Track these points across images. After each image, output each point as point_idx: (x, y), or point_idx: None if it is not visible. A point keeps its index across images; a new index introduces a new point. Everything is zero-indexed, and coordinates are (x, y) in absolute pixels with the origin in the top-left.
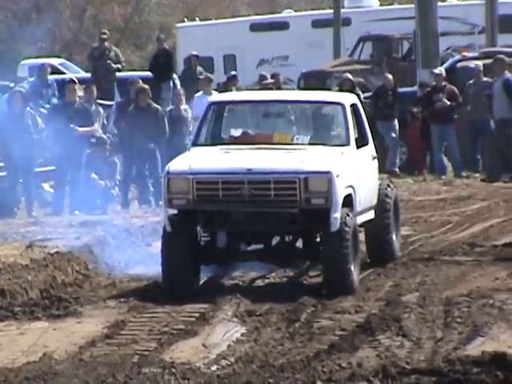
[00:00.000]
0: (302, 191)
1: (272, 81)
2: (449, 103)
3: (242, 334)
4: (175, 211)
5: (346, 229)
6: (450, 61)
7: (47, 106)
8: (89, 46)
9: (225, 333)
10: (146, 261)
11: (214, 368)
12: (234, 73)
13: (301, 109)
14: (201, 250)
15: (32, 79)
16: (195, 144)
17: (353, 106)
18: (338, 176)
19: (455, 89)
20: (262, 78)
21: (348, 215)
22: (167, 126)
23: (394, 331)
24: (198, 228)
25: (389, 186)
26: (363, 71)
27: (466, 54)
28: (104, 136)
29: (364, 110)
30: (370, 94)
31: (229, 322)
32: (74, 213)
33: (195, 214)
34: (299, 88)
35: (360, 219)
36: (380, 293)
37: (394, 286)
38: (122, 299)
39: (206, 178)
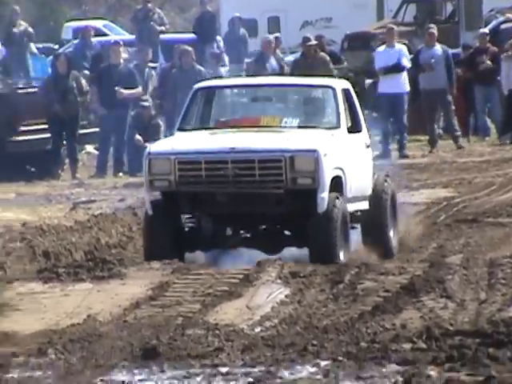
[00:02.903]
0: (287, 171)
1: (315, 42)
2: (492, 65)
3: (286, 296)
4: (157, 194)
5: (335, 210)
6: (494, 22)
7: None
8: (133, 8)
9: (268, 294)
10: None
11: (257, 330)
12: (277, 35)
13: (290, 93)
14: (185, 236)
15: (76, 41)
16: (180, 129)
17: (345, 91)
18: (325, 155)
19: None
20: (306, 39)
21: (337, 198)
22: None
23: (438, 293)
24: (183, 215)
25: (386, 180)
26: (407, 33)
27: (509, 15)
28: (149, 98)
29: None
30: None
31: (272, 283)
32: (118, 175)
33: (178, 196)
34: (343, 50)
35: (351, 207)
36: (424, 254)
37: (437, 248)
38: (166, 261)
39: (189, 158)
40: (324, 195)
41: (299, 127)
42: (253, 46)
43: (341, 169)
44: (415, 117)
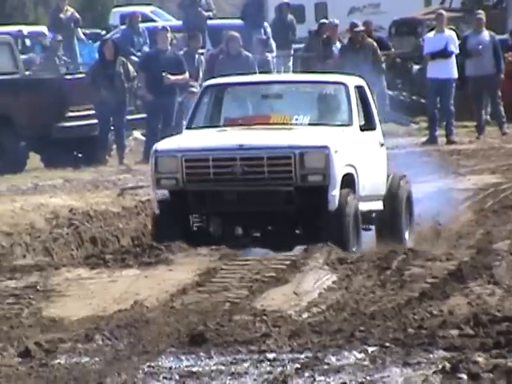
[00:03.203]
0: (297, 168)
1: (363, 28)
2: None
3: (333, 282)
4: (165, 193)
5: (347, 208)
6: None
7: (138, 53)
8: None
9: (316, 280)
10: None
11: (304, 316)
12: (325, 21)
13: (301, 90)
14: (193, 235)
15: (123, 27)
16: (188, 127)
17: (358, 88)
18: (336, 152)
19: None
20: (353, 25)
21: (349, 194)
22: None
23: (486, 279)
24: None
25: (401, 181)
26: (454, 19)
27: None
28: (197, 84)
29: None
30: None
31: (320, 269)
32: None
33: (185, 195)
34: (390, 36)
35: (364, 206)
36: (471, 240)
37: (485, 234)
38: (214, 247)
39: (196, 156)
40: (335, 192)
41: (310, 124)
42: (300, 32)
43: (353, 166)
44: (462, 103)
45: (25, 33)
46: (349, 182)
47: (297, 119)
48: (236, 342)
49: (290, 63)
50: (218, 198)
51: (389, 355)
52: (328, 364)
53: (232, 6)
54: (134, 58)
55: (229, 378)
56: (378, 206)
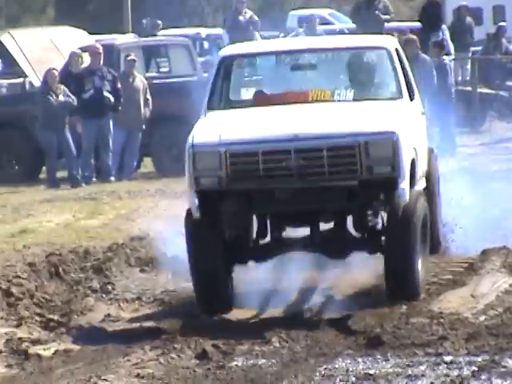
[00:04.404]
0: (362, 158)
1: None
2: None
3: (510, 285)
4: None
5: (417, 213)
6: None
7: None
8: None
9: (493, 283)
10: None
11: (481, 318)
12: (503, 24)
13: (337, 58)
14: (232, 244)
15: (301, 30)
16: (211, 108)
17: (397, 50)
18: (403, 136)
19: None
20: None
21: (419, 198)
22: (435, 77)
23: None
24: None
25: (433, 151)
26: None
27: None
28: None
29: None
30: None
31: (497, 272)
32: None
33: (229, 195)
34: None
35: (418, 187)
36: None
37: None
38: None
39: (243, 150)
40: (405, 185)
41: (355, 100)
42: (478, 35)
43: (414, 149)
44: None
45: (203, 35)
46: (411, 168)
47: (339, 94)
48: (413, 344)
49: (468, 66)
50: (269, 197)
51: None
52: (505, 367)
53: (410, 9)
54: None
55: (405, 380)
56: (423, 184)
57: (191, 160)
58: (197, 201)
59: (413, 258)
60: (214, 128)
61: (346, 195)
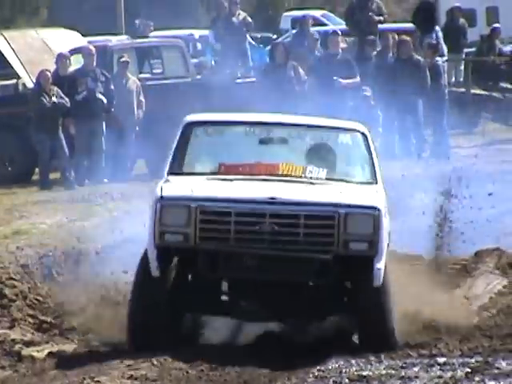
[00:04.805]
0: (340, 231)
1: None
2: None
3: (504, 286)
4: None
5: (390, 284)
6: None
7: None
8: None
9: (486, 285)
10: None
11: (475, 320)
12: (496, 25)
13: (309, 136)
14: (187, 295)
15: (294, 31)
16: (172, 173)
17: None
18: (384, 215)
19: None
20: None
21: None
22: (429, 78)
23: None
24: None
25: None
26: None
27: None
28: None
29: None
30: None
31: (490, 274)
32: None
33: (194, 255)
34: None
35: None
36: None
37: None
38: None
39: (215, 208)
40: (381, 265)
41: (328, 179)
42: (471, 36)
43: (389, 234)
44: None
45: (196, 37)
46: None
47: (311, 172)
48: (406, 345)
49: (462, 67)
50: (236, 261)
51: None
52: (498, 368)
53: (403, 10)
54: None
55: (399, 382)
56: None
57: (158, 213)
58: (157, 258)
59: (389, 327)
60: (185, 183)
61: (317, 269)
